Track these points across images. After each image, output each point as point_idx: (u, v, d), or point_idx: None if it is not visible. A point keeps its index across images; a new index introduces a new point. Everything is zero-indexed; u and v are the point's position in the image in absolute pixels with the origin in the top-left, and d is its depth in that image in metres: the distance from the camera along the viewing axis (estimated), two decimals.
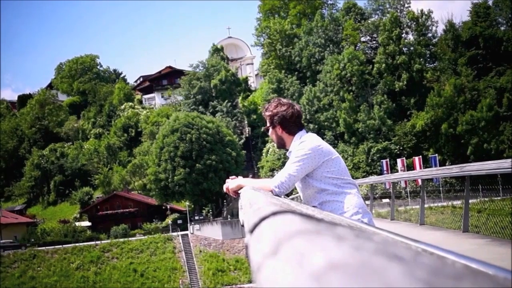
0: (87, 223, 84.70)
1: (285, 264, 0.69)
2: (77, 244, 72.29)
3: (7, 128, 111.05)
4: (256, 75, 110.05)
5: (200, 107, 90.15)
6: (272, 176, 12.86)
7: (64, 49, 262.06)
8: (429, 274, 0.59)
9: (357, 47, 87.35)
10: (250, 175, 64.52)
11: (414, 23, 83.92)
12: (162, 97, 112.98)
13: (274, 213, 1.17)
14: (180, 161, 73.26)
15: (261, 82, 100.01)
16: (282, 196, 4.57)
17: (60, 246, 72.04)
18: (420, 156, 62.08)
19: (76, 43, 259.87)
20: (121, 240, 72.63)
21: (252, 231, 1.13)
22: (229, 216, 72.50)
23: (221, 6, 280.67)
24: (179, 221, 77.88)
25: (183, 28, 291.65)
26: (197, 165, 73.15)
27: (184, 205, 78.08)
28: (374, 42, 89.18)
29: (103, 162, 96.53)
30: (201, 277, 64.95)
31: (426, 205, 19.48)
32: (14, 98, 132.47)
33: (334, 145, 74.00)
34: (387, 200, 45.10)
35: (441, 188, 57.48)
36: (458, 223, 14.89)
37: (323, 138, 4.92)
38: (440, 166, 53.12)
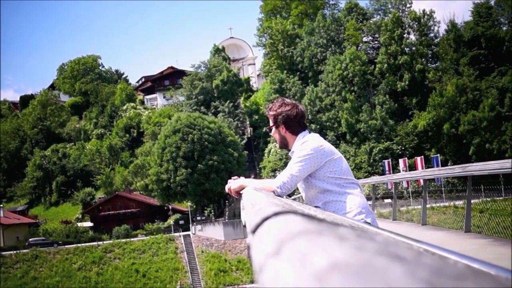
0: (89, 224, 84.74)
1: (287, 264, 0.69)
2: (79, 245, 72.34)
3: (9, 129, 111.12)
4: (258, 75, 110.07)
5: (202, 107, 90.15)
6: (274, 176, 12.85)
7: (66, 49, 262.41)
8: (431, 274, 0.59)
9: (359, 47, 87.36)
10: (252, 176, 64.58)
11: (416, 23, 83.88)
12: (164, 97, 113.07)
13: (276, 214, 1.17)
14: (182, 161, 73.26)
15: (263, 83, 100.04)
16: (284, 197, 4.57)
17: (62, 246, 72.08)
18: (422, 156, 62.00)
19: (78, 43, 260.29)
20: (123, 240, 72.64)
21: (254, 231, 1.13)
22: (231, 217, 72.53)
23: (223, 7, 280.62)
24: (181, 222, 77.90)
25: (185, 28, 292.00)
26: (199, 165, 73.14)
27: (186, 206, 78.09)
28: (376, 42, 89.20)
29: (105, 162, 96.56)
30: (203, 278, 64.93)
31: (428, 205, 19.50)
32: (16, 98, 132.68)
33: (336, 146, 73.98)
34: (389, 200, 45.12)
35: (443, 188, 57.40)
36: (460, 223, 14.89)
37: (325, 139, 4.91)
38: (442, 166, 53.14)
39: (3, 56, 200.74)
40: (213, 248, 68.79)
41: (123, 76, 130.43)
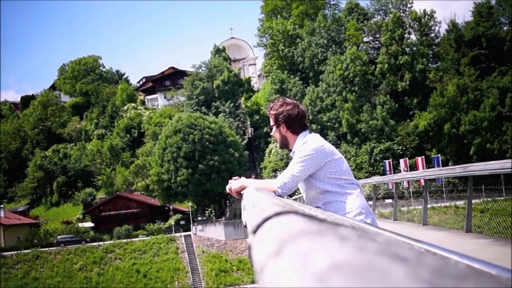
0: (90, 224, 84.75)
1: (288, 264, 0.68)
2: (80, 245, 72.35)
3: (10, 129, 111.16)
4: (259, 75, 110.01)
5: (203, 107, 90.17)
6: (275, 176, 12.83)
7: (66, 50, 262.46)
8: (432, 274, 0.59)
9: (359, 48, 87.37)
10: (253, 176, 64.61)
11: (417, 23, 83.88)
12: (165, 97, 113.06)
13: (277, 214, 1.17)
14: (183, 161, 73.26)
15: (263, 83, 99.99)
16: (285, 197, 4.57)
17: (63, 247, 72.11)
18: (423, 156, 61.98)
19: (78, 44, 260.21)
20: (124, 241, 72.68)
21: (255, 231, 1.13)
22: (232, 217, 72.55)
23: (224, 7, 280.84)
24: (182, 222, 77.92)
25: (185, 28, 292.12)
26: (200, 165, 73.15)
27: (187, 206, 78.08)
28: (376, 42, 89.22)
29: (106, 163, 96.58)
30: (204, 278, 64.96)
31: (429, 205, 19.48)
32: (17, 99, 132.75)
33: (337, 146, 74.01)
34: (390, 201, 45.14)
35: (444, 188, 57.49)
36: (461, 223, 14.88)
37: (325, 139, 4.92)
38: (443, 166, 53.11)
39: (4, 57, 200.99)
40: (214, 248, 68.81)
41: (124, 77, 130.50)
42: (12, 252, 71.17)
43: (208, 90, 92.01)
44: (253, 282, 59.45)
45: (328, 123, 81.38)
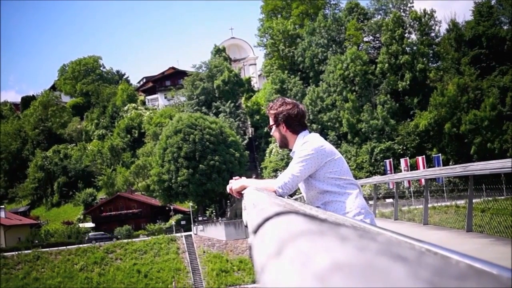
0: (90, 224, 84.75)
1: (289, 264, 0.68)
2: (80, 246, 72.34)
3: (11, 130, 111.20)
4: (259, 75, 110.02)
5: (203, 107, 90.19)
6: (276, 176, 12.84)
7: (67, 50, 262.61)
8: (433, 274, 0.59)
9: (360, 47, 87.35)
10: (253, 176, 64.64)
11: (417, 22, 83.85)
12: (165, 98, 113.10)
13: (278, 214, 1.17)
14: (183, 161, 73.27)
15: (264, 83, 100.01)
16: (286, 197, 4.57)
17: (64, 247, 72.09)
18: (424, 156, 62.01)
19: (79, 44, 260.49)
20: (125, 241, 72.69)
21: (255, 231, 1.13)
22: (232, 217, 72.55)
23: (224, 7, 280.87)
24: (183, 222, 77.92)
25: (186, 29, 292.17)
26: (200, 165, 73.15)
27: (188, 206, 78.11)
28: (377, 42, 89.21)
29: (106, 163, 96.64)
30: (205, 278, 64.96)
31: (429, 205, 19.46)
32: (18, 99, 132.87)
33: (337, 145, 74.06)
34: (390, 200, 45.11)
35: (444, 188, 57.50)
36: (461, 223, 14.88)
37: (326, 139, 4.94)
38: (443, 165, 53.10)
39: (4, 57, 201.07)
40: (214, 248, 68.82)
41: (124, 77, 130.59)
42: (13, 253, 71.16)
43: (209, 90, 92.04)
44: (254, 282, 59.45)
45: (329, 123, 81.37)
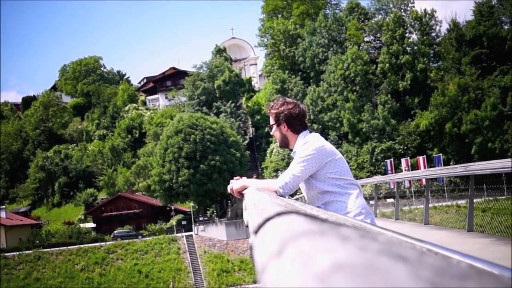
0: (91, 225, 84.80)
1: (290, 264, 0.68)
2: (81, 246, 72.31)
3: (12, 130, 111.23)
4: (260, 75, 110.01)
5: (204, 108, 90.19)
6: (276, 176, 12.83)
7: (68, 50, 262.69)
8: (434, 274, 0.59)
9: (360, 47, 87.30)
10: (254, 176, 64.59)
11: (418, 22, 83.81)
12: (166, 98, 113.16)
13: (279, 214, 1.17)
14: (184, 162, 73.27)
15: (264, 83, 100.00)
16: (287, 197, 4.57)
17: (65, 247, 72.09)
18: (424, 156, 62.01)
19: (79, 44, 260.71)
20: (126, 241, 72.67)
21: (256, 231, 1.13)
22: (233, 217, 72.53)
23: (225, 7, 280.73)
24: (184, 222, 77.93)
25: (186, 29, 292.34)
26: (201, 166, 73.16)
27: (189, 206, 78.10)
28: (377, 42, 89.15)
29: (107, 163, 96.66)
30: (206, 278, 64.96)
31: (430, 205, 19.45)
32: (18, 100, 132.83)
33: (338, 145, 74.03)
34: (391, 200, 45.13)
35: (445, 188, 57.49)
36: (462, 223, 14.88)
37: (327, 138, 4.94)
38: (444, 165, 53.10)
39: (5, 58, 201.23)
40: (215, 249, 68.82)
41: (125, 77, 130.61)
42: (14, 253, 71.17)
43: (209, 90, 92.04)
44: (255, 282, 59.45)
45: (329, 123, 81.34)
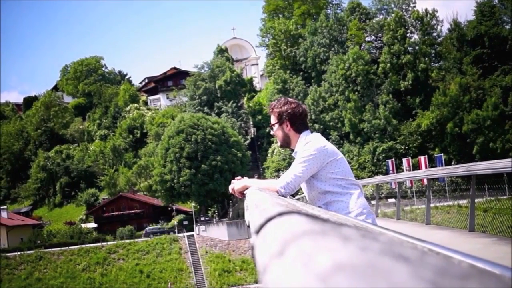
0: (93, 225, 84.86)
1: (291, 264, 0.68)
2: (83, 246, 72.36)
3: (13, 130, 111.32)
4: (261, 75, 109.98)
5: (205, 108, 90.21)
6: (278, 176, 12.84)
7: (69, 51, 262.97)
8: (435, 274, 0.59)
9: (362, 47, 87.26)
10: (256, 176, 64.55)
11: (419, 22, 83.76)
12: (167, 98, 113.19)
13: (280, 214, 1.17)
14: (185, 162, 73.29)
15: (266, 83, 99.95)
16: (288, 197, 4.57)
17: (66, 247, 72.13)
18: (426, 156, 61.96)
19: (81, 44, 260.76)
20: (127, 241, 72.72)
21: (258, 231, 1.13)
22: (235, 217, 72.53)
23: (226, 7, 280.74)
24: (185, 222, 77.95)
25: (187, 29, 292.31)
26: (202, 166, 73.17)
27: (190, 206, 78.12)
28: (379, 41, 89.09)
29: (108, 163, 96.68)
30: (207, 278, 64.98)
31: (432, 205, 19.45)
32: (20, 100, 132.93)
33: (340, 145, 74.00)
34: (393, 200, 45.07)
35: (447, 188, 57.38)
36: (464, 223, 14.88)
37: (328, 138, 4.96)
38: (445, 165, 53.05)
39: (6, 58, 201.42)
40: (217, 249, 68.82)
41: (126, 77, 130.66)
42: (16, 253, 71.24)
43: (211, 90, 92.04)
44: (256, 282, 59.46)
45: (331, 123, 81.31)
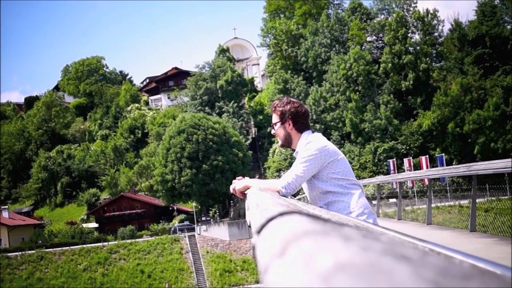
0: (94, 225, 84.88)
1: (293, 264, 0.68)
2: (84, 246, 72.39)
3: (14, 130, 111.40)
4: (262, 75, 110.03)
5: (206, 108, 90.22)
6: (279, 176, 12.83)
7: (70, 51, 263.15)
8: (436, 274, 0.59)
9: (363, 47, 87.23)
10: (257, 176, 64.64)
11: (420, 22, 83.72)
12: (168, 98, 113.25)
13: (281, 214, 1.17)
14: (186, 162, 73.32)
15: (267, 83, 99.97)
16: (289, 197, 4.57)
17: (67, 247, 72.17)
18: (427, 156, 61.85)
19: (82, 44, 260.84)
20: (128, 241, 72.72)
21: (259, 231, 1.13)
22: (236, 217, 72.53)
23: (227, 7, 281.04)
24: (186, 222, 77.93)
25: (189, 29, 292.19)
26: (203, 165, 73.20)
27: (191, 206, 78.15)
28: (380, 41, 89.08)
29: (109, 163, 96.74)
30: (208, 278, 64.96)
31: (433, 205, 19.45)
32: (21, 100, 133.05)
33: (341, 145, 74.00)
34: (394, 200, 45.03)
35: (448, 188, 57.32)
36: (465, 223, 14.88)
37: (329, 138, 4.95)
38: (447, 165, 52.98)
39: (8, 58, 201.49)
40: (218, 249, 68.81)
41: (128, 77, 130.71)
42: (17, 253, 71.27)
43: (212, 90, 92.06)
44: (257, 282, 59.44)
45: (332, 123, 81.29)
